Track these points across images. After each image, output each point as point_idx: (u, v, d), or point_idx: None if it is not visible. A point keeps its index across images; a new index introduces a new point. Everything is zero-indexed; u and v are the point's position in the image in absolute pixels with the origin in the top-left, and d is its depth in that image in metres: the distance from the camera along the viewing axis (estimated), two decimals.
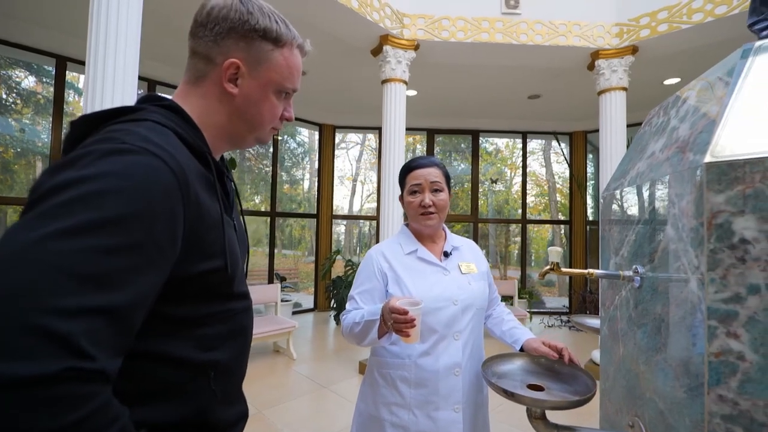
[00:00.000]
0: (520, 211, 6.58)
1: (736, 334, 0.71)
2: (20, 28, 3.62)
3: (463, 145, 6.90)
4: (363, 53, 3.90)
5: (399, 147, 3.64)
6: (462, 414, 1.11)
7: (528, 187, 6.71)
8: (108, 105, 2.09)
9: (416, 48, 3.67)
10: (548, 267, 1.15)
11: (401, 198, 1.27)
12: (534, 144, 7.54)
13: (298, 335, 4.78)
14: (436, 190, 1.18)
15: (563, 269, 1.11)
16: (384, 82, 3.64)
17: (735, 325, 0.71)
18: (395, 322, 0.97)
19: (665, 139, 1.04)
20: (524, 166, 6.53)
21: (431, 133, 6.43)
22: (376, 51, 3.71)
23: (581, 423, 1.67)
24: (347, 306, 1.20)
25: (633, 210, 1.12)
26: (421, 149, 6.98)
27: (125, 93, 2.11)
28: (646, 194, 1.02)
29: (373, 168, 8.20)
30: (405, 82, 3.67)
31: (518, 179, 6.77)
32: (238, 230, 0.75)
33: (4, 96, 4.74)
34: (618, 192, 1.19)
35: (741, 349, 0.71)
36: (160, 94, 0.65)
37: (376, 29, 3.46)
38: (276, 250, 8.26)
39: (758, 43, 0.82)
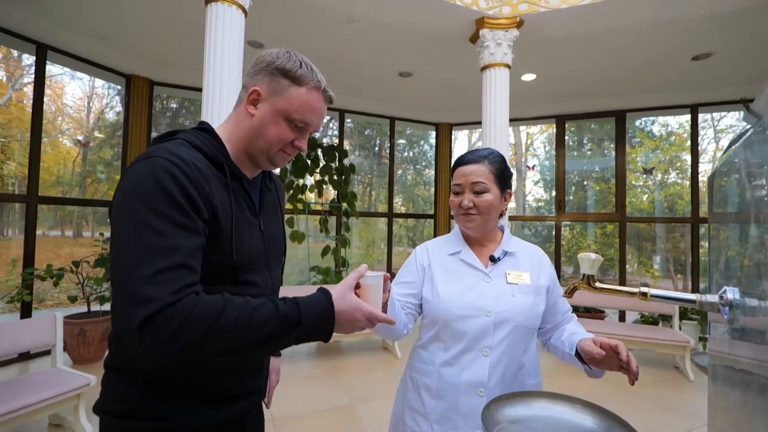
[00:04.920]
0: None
1: None
2: (185, 74, 4.71)
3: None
4: (462, 43, 3.65)
5: (502, 138, 3.27)
6: None
7: None
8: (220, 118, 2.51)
9: (519, 25, 3.23)
10: (577, 281, 0.83)
11: None
12: (729, 119, 5.80)
13: (409, 335, 4.79)
14: (478, 191, 1.05)
15: (601, 285, 0.79)
16: (483, 69, 3.33)
17: None
18: None
19: None
20: (694, 150, 5.04)
21: (561, 120, 5.59)
22: (474, 37, 3.42)
23: None
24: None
25: (732, 204, 0.71)
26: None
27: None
28: (743, 180, 0.63)
29: (512, 165, 7.63)
30: (507, 66, 3.28)
31: (704, 167, 5.26)
32: (266, 231, 0.89)
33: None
34: (725, 177, 0.77)
35: None
36: (205, 120, 0.89)
37: (470, 13, 3.19)
38: (411, 250, 8.54)
39: None
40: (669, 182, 6.19)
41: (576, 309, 4.73)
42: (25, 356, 3.64)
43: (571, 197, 6.41)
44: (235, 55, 2.51)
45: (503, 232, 1.16)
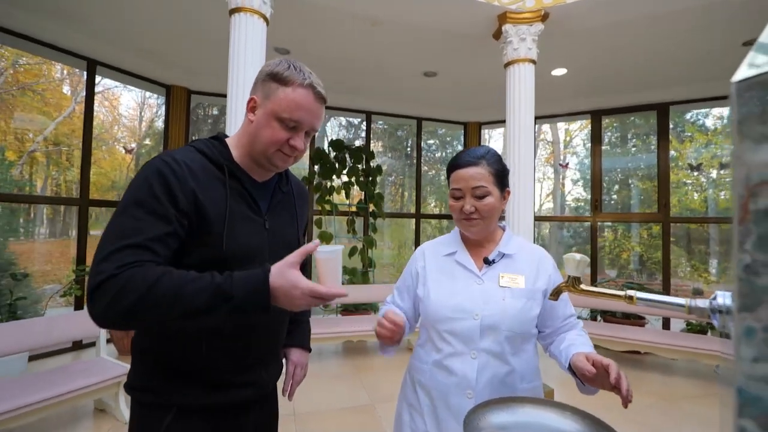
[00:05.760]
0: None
1: None
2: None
3: (670, 125, 5.37)
4: (485, 40, 3.57)
5: (527, 136, 3.16)
6: None
7: None
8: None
9: (543, 18, 3.10)
10: (561, 283, 0.79)
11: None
12: None
13: None
14: (479, 196, 1.02)
15: (586, 287, 0.75)
16: (507, 65, 3.23)
17: None
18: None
19: None
20: None
21: (597, 115, 5.30)
22: (497, 33, 3.33)
23: None
24: (387, 298, 1.23)
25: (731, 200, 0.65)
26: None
27: None
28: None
29: (549, 163, 7.36)
30: (532, 61, 3.16)
31: None
32: (273, 230, 0.95)
33: None
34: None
35: None
36: (230, 125, 1.02)
37: (491, 9, 3.11)
38: None
39: None
40: (725, 179, 5.70)
41: (613, 314, 4.45)
42: (78, 345, 3.98)
43: (615, 196, 6.07)
44: (257, 62, 2.61)
45: (504, 231, 1.13)
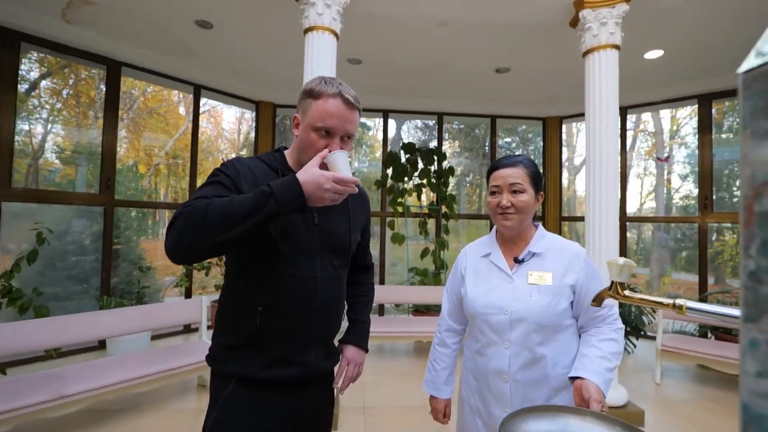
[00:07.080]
0: None
1: None
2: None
3: None
4: (561, 29, 3.33)
5: (611, 129, 2.87)
6: None
7: None
8: None
9: None
10: (605, 289, 0.75)
11: None
12: None
13: None
14: (515, 191, 1.15)
15: (630, 294, 0.71)
16: (585, 53, 2.98)
17: None
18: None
19: None
20: None
21: (707, 100, 4.57)
22: (574, 21, 3.09)
23: None
24: (443, 297, 1.36)
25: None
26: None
27: None
28: None
29: (651, 157, 6.58)
30: (616, 47, 2.87)
31: None
32: (322, 225, 1.08)
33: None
34: None
35: None
36: (283, 146, 1.16)
37: None
38: None
39: None
40: None
41: (728, 332, 3.79)
42: (188, 328, 4.65)
43: (738, 193, 5.15)
44: (328, 75, 2.80)
45: (537, 229, 1.22)
